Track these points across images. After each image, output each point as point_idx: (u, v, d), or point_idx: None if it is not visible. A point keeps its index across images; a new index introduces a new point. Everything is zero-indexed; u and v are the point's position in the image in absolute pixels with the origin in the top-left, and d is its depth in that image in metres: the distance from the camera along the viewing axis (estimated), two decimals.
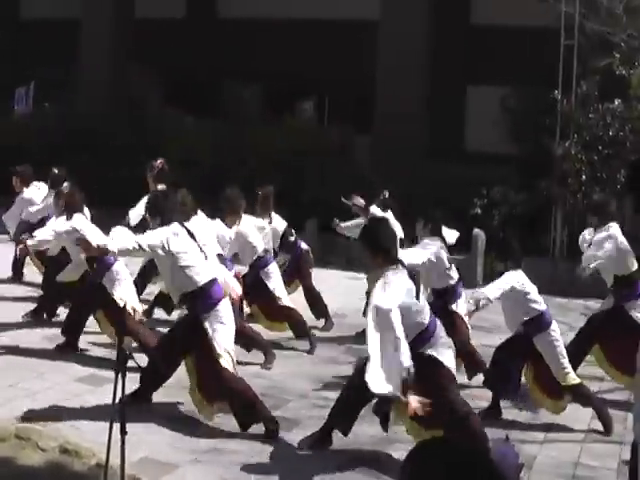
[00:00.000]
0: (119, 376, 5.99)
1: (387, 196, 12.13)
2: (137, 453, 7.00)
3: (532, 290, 8.70)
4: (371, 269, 7.44)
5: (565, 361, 8.66)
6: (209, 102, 22.12)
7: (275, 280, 10.99)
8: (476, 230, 16.51)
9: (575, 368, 9.02)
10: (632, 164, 16.84)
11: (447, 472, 2.41)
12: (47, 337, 10.16)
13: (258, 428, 7.80)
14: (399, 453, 7.46)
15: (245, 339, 9.67)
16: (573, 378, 8.67)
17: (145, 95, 21.31)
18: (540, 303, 8.70)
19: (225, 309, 7.99)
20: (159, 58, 23.37)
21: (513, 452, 2.58)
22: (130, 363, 6.07)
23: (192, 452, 7.32)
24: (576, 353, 9.40)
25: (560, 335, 8.76)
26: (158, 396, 8.30)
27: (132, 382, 6.59)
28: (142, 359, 8.03)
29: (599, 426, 8.62)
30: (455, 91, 21.52)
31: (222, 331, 7.86)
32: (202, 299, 7.89)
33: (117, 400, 5.81)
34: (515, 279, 8.59)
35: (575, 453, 7.98)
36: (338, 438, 7.71)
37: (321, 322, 12.13)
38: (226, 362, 7.78)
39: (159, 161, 12.22)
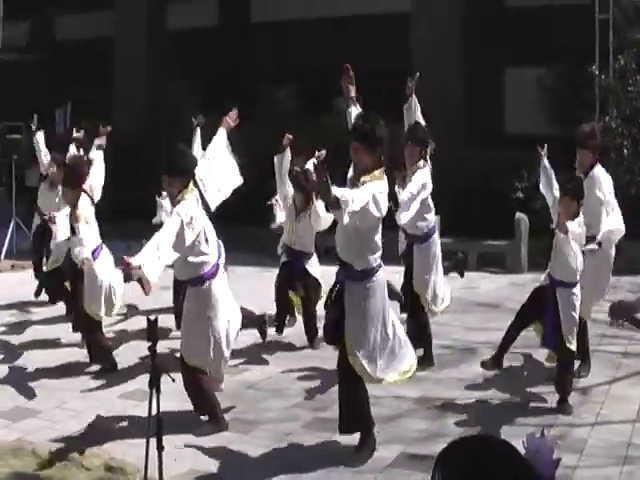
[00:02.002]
0: (153, 392, 6.02)
1: None
2: (181, 467, 6.99)
3: None
4: None
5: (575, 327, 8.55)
6: (248, 107, 22.14)
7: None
8: (519, 214, 16.36)
9: None
10: None
11: (479, 469, 2.35)
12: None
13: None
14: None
15: None
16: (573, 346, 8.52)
17: (182, 106, 21.37)
18: None
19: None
20: (195, 68, 23.49)
21: (548, 447, 2.49)
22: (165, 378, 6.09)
23: (238, 461, 7.27)
24: None
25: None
26: None
27: (165, 398, 6.54)
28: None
29: None
30: (492, 74, 21.29)
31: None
32: None
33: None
34: None
35: (627, 434, 7.84)
36: (386, 433, 7.67)
37: None
38: None
39: None
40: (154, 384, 5.81)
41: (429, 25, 19.94)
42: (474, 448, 2.41)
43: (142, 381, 9.03)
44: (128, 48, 23.62)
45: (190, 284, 7.94)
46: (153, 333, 6.00)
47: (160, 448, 5.73)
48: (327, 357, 10.16)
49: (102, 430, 7.89)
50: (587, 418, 8.26)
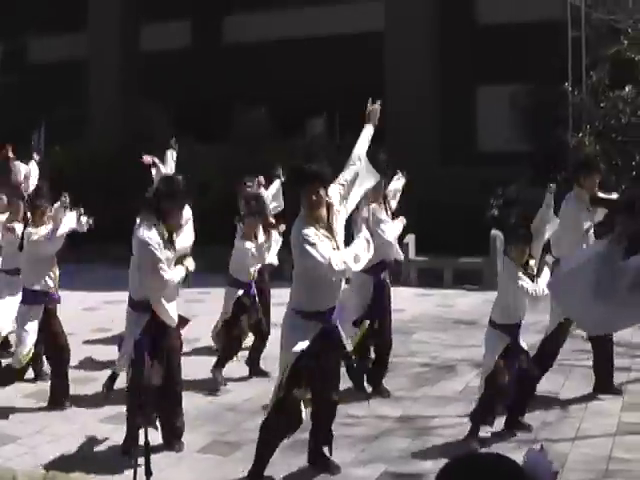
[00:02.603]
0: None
1: None
2: None
3: None
4: None
5: None
6: (220, 128, 22.17)
7: None
8: (494, 231, 16.45)
9: None
10: None
11: None
12: (71, 379, 10.07)
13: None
14: (428, 466, 7.45)
15: None
16: None
17: (155, 127, 21.37)
18: None
19: None
20: (168, 89, 23.49)
21: (546, 461, 2.53)
22: None
23: None
24: None
25: None
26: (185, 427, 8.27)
27: None
28: None
29: (631, 418, 8.57)
30: (465, 93, 21.43)
31: None
32: None
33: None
34: None
35: (607, 448, 7.88)
36: (369, 452, 7.68)
37: None
38: None
39: None
40: (141, 408, 5.78)
41: (402, 44, 20.07)
42: (474, 464, 2.44)
43: (122, 405, 9.05)
44: (101, 69, 23.65)
45: None
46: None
47: (148, 473, 5.69)
48: None
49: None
50: (567, 433, 8.29)
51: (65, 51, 25.54)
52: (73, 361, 10.51)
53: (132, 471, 5.89)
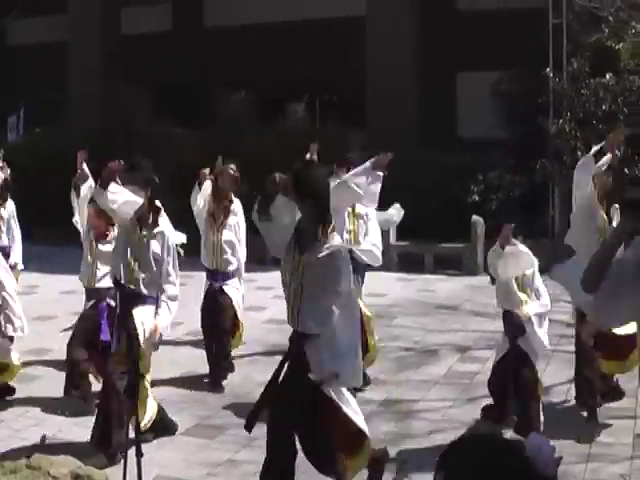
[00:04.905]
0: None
1: None
2: (150, 472, 6.95)
3: None
4: None
5: None
6: (201, 112, 22.10)
7: None
8: (475, 217, 16.51)
9: None
10: None
11: (482, 468, 2.38)
12: (53, 363, 10.06)
13: None
14: (413, 449, 7.49)
15: None
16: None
17: (135, 111, 21.27)
18: None
19: None
20: (149, 72, 23.38)
21: (549, 446, 2.54)
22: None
23: (206, 466, 7.27)
24: None
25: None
26: (169, 411, 8.27)
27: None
28: None
29: (612, 402, 8.62)
30: (445, 79, 21.43)
31: None
32: None
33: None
34: None
35: None
36: None
37: None
38: None
39: None
40: (131, 390, 5.77)
41: (383, 29, 20.02)
42: (477, 448, 2.45)
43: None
44: (82, 52, 23.47)
45: None
46: (137, 343, 5.94)
47: (139, 454, 5.68)
48: None
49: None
50: (549, 418, 8.34)
51: (45, 33, 25.40)
52: (53, 345, 10.56)
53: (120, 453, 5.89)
